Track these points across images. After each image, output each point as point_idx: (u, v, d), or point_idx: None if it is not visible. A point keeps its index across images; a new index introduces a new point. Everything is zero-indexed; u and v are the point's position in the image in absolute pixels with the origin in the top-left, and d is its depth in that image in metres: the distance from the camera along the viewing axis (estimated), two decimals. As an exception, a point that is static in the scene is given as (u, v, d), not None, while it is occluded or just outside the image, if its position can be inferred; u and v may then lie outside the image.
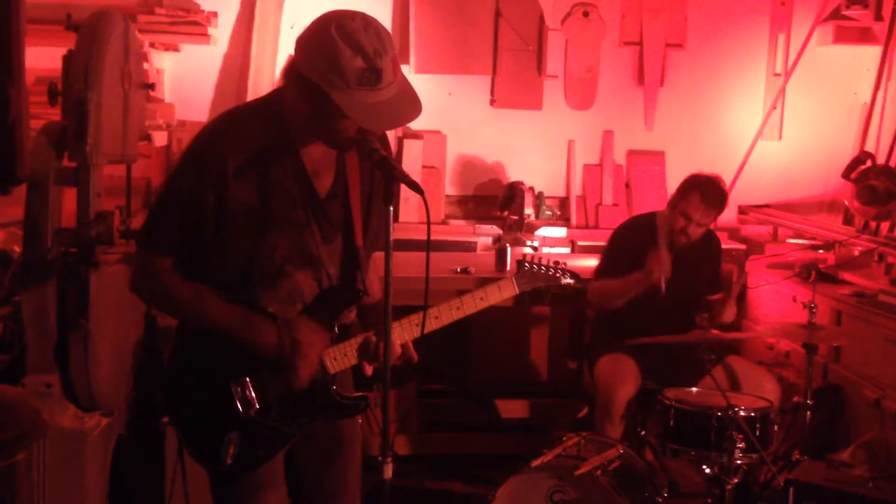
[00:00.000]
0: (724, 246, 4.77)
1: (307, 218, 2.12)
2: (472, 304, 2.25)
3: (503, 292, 2.30)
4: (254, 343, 2.10)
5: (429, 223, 2.04)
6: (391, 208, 1.98)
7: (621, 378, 3.59)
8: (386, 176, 2.00)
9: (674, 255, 3.72)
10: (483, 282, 3.67)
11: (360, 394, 2.25)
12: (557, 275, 2.41)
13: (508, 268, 4.23)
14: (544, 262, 2.36)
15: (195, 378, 2.16)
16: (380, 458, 2.03)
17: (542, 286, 2.38)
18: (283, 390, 2.14)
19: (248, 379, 2.13)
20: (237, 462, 2.14)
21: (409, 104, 2.01)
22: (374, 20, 1.98)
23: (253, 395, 2.13)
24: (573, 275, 2.43)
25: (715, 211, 3.73)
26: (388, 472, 2.04)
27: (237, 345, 2.09)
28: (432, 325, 2.22)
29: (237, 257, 2.08)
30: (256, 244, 2.08)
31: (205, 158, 2.05)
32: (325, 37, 1.93)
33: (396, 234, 2.25)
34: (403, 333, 2.20)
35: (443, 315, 2.24)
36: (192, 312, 2.11)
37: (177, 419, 2.21)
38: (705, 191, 3.69)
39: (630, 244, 3.82)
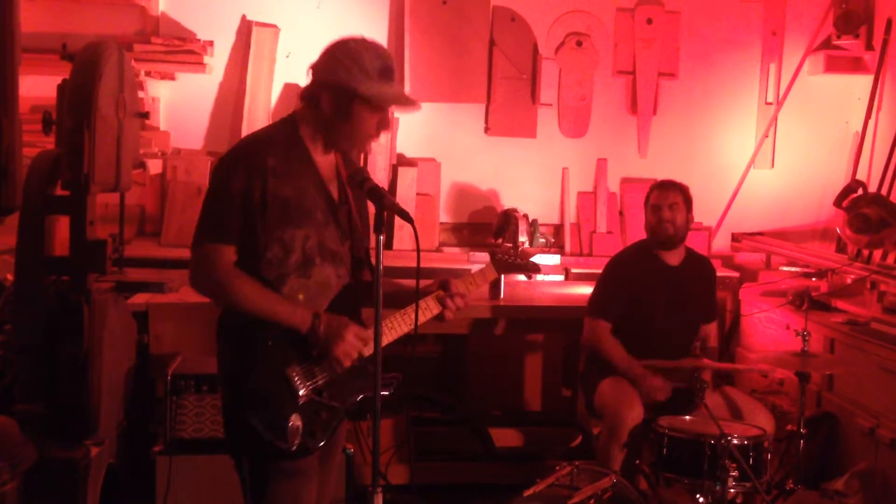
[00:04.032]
0: (718, 273, 4.81)
1: (326, 219, 2.40)
2: (463, 287, 2.54)
3: (487, 276, 2.66)
4: (294, 326, 2.32)
5: (418, 251, 2.15)
6: (382, 237, 2.05)
7: (627, 401, 3.58)
8: (376, 205, 2.08)
9: (667, 285, 3.76)
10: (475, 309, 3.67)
11: (392, 374, 2.42)
12: (525, 264, 2.82)
13: (502, 295, 4.24)
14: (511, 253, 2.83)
15: (256, 374, 2.32)
16: (370, 489, 2.03)
17: (515, 270, 2.81)
18: (329, 373, 2.35)
19: (298, 366, 2.33)
20: (302, 444, 2.30)
21: (413, 100, 2.46)
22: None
23: (306, 380, 2.32)
24: (534, 266, 2.84)
25: (674, 190, 3.89)
26: (379, 502, 2.04)
27: (282, 330, 2.32)
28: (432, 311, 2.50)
29: (275, 247, 2.32)
30: (291, 234, 2.33)
31: (249, 158, 2.33)
32: (347, 47, 2.35)
33: (390, 261, 2.30)
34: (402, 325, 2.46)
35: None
36: (248, 302, 2.31)
37: (247, 414, 2.31)
38: (655, 185, 3.96)
39: (626, 275, 3.83)
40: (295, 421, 2.29)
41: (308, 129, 2.40)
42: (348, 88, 2.31)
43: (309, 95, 2.39)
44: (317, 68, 2.37)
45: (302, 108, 2.43)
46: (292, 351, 2.33)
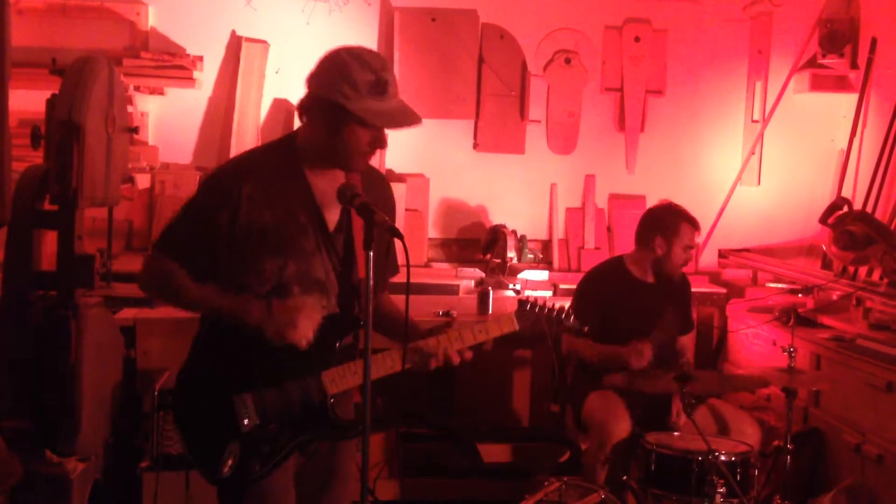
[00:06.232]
0: (705, 290, 4.85)
1: (317, 246, 2.28)
2: (471, 337, 2.31)
3: (503, 327, 2.34)
4: (244, 311, 2.20)
5: (408, 266, 2.14)
6: (371, 252, 2.05)
7: (614, 414, 3.58)
8: (366, 221, 2.09)
9: (641, 300, 3.77)
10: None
11: (354, 420, 2.33)
12: (559, 317, 2.37)
13: (491, 311, 4.24)
14: (547, 305, 2.37)
15: (201, 391, 2.28)
16: (358, 504, 2.02)
17: (542, 327, 2.37)
18: (282, 406, 2.24)
19: (249, 394, 2.23)
20: (234, 474, 2.22)
21: (413, 114, 2.26)
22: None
23: (253, 409, 2.23)
24: (567, 315, 2.37)
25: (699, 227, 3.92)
26: (367, 517, 2.03)
27: (230, 321, 2.21)
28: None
29: (248, 276, 2.23)
30: (268, 263, 2.23)
31: (222, 183, 2.26)
32: (338, 59, 2.21)
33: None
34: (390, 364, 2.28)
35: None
36: (190, 295, 2.25)
37: (182, 428, 2.33)
38: (690, 219, 3.86)
39: (599, 292, 3.83)
40: (232, 449, 2.21)
41: (305, 146, 2.28)
42: (336, 104, 2.17)
43: (301, 109, 2.28)
44: (309, 80, 2.25)
45: (301, 118, 2.30)
46: (248, 376, 2.24)
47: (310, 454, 2.36)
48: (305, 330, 2.18)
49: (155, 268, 2.30)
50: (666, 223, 3.82)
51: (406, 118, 2.23)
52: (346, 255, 2.32)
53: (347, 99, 2.16)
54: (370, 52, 2.24)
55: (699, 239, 3.93)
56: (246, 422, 2.22)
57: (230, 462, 2.21)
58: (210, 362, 2.31)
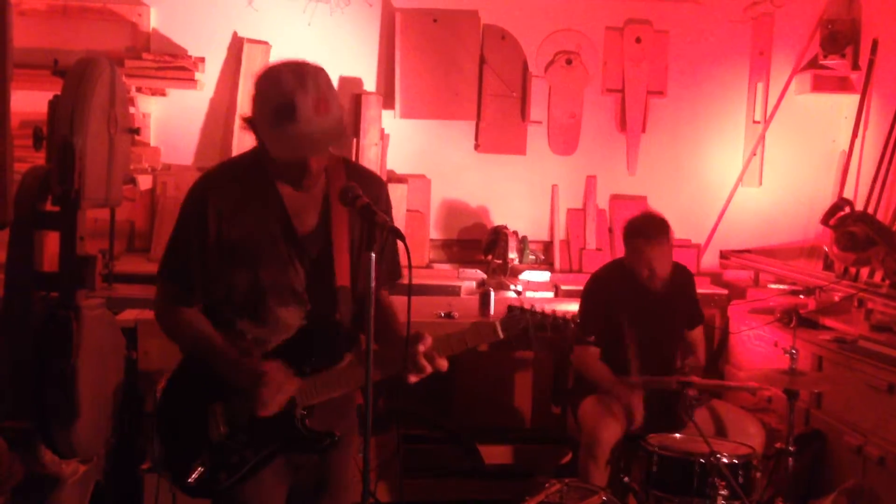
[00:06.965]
0: (706, 291, 4.85)
1: (289, 255, 2.26)
2: (447, 348, 2.24)
3: (483, 336, 2.26)
4: (228, 375, 2.24)
5: (410, 268, 2.11)
6: (374, 255, 2.04)
7: (605, 419, 3.59)
8: (368, 223, 2.09)
9: (647, 300, 3.76)
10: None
11: (327, 430, 2.29)
12: (557, 323, 2.27)
13: (493, 311, 4.24)
14: (537, 308, 2.27)
15: (181, 399, 2.32)
16: (359, 506, 2.02)
17: (529, 332, 2.26)
18: (252, 418, 2.24)
19: (220, 404, 2.26)
20: (200, 483, 2.24)
21: (325, 139, 2.13)
22: (309, 66, 2.14)
23: (223, 419, 2.26)
24: (565, 322, 2.26)
25: (664, 238, 3.72)
26: (368, 519, 2.03)
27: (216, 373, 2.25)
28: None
29: (223, 289, 2.27)
30: (239, 277, 2.25)
31: (191, 198, 2.27)
32: (259, 79, 2.17)
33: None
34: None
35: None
36: (187, 342, 2.31)
37: (159, 433, 2.34)
38: (643, 232, 3.72)
39: (603, 296, 3.82)
40: (201, 458, 2.23)
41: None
42: (255, 127, 2.17)
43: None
44: None
45: None
46: (224, 386, 2.24)
47: (297, 466, 2.34)
48: (270, 405, 2.20)
49: (157, 300, 2.35)
50: (626, 246, 3.81)
51: (310, 145, 2.10)
52: (323, 262, 2.28)
53: (259, 123, 2.14)
54: (294, 71, 2.10)
55: (667, 249, 3.72)
56: (215, 431, 2.24)
57: (196, 470, 2.22)
58: (191, 370, 2.33)
